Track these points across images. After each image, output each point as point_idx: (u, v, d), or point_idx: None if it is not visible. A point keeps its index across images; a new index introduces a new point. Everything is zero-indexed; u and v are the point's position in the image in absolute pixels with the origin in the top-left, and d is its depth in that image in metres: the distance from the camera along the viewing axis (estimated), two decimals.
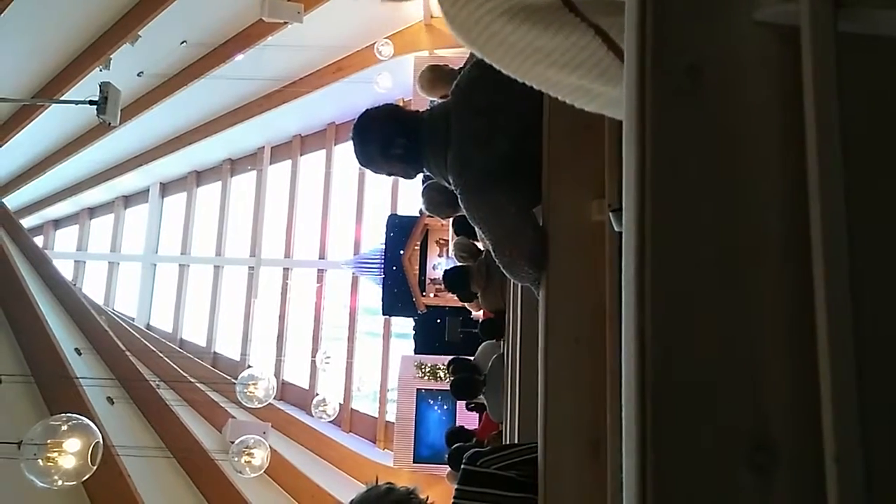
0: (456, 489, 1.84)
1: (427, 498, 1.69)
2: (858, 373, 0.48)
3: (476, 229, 1.89)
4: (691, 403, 0.52)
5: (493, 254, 1.78)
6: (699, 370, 0.53)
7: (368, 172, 1.96)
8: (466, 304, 5.84)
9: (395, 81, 10.29)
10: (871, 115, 0.55)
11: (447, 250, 10.24)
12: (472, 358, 5.18)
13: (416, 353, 10.49)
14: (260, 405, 6.81)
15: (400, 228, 10.81)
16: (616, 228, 1.34)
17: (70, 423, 4.04)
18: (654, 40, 0.57)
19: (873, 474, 0.47)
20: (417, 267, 10.67)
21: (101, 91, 6.01)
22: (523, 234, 1.68)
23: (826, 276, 0.49)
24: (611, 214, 1.37)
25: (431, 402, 10.08)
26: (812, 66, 0.52)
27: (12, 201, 10.71)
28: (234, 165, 12.98)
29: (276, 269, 12.68)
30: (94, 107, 5.96)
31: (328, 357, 11.00)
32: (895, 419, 0.51)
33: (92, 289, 12.69)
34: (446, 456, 4.65)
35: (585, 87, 1.00)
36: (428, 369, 10.06)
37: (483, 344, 5.05)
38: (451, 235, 8.59)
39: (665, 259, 0.54)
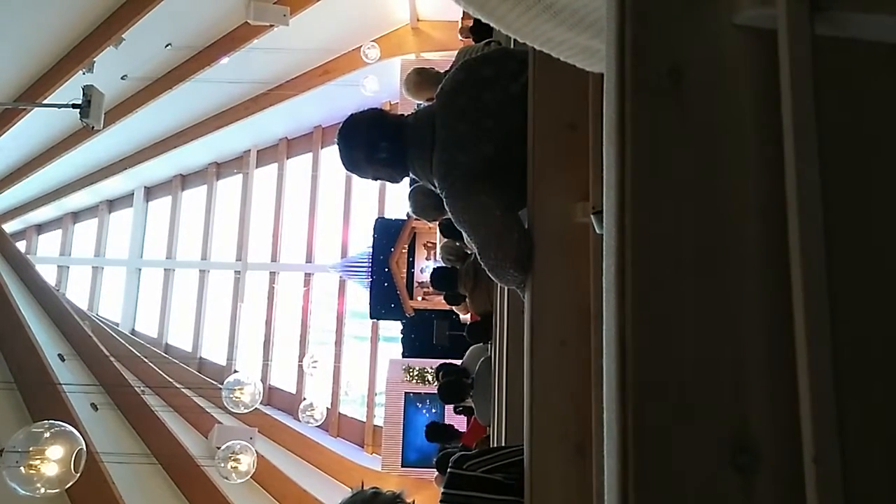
0: (442, 493, 1.84)
1: (413, 502, 1.68)
2: (836, 375, 0.48)
3: (462, 232, 1.89)
4: (672, 405, 0.52)
5: (478, 256, 1.78)
6: (680, 372, 0.53)
7: (354, 176, 1.95)
8: (454, 308, 5.85)
9: (382, 84, 10.28)
10: (847, 117, 0.56)
11: (435, 253, 10.24)
12: (460, 362, 5.18)
13: (403, 356, 10.48)
14: (246, 410, 6.77)
15: (387, 231, 10.79)
16: (598, 231, 1.35)
17: (53, 430, 4.00)
18: (634, 43, 0.58)
19: (851, 475, 0.47)
20: (405, 270, 10.66)
21: (84, 94, 5.96)
22: (508, 237, 1.68)
23: (804, 276, 0.49)
24: (593, 217, 1.37)
25: (419, 405, 10.07)
26: (789, 68, 0.52)
27: None
28: (220, 169, 12.91)
29: (262, 273, 12.62)
30: (78, 110, 5.90)
31: (315, 361, 10.96)
32: (872, 420, 0.51)
33: (76, 294, 12.55)
34: (434, 460, 4.64)
35: (594, 48, 0.96)
36: (416, 373, 10.05)
37: (471, 347, 5.05)
38: (438, 238, 8.59)
39: (645, 261, 0.54)
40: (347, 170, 1.88)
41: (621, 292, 0.54)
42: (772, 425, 0.52)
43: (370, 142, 1.81)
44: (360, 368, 11.88)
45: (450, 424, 5.86)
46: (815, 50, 0.52)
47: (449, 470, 1.84)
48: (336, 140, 1.86)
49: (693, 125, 0.57)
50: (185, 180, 13.02)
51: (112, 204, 13.12)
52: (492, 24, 0.99)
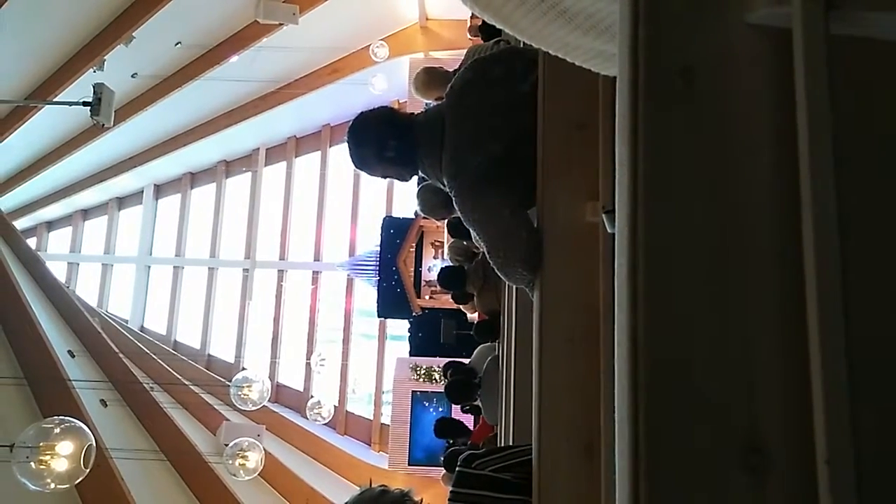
0: (451, 491, 1.84)
1: (421, 500, 1.69)
2: (849, 375, 0.48)
3: (471, 231, 1.89)
4: (684, 404, 0.52)
5: (487, 255, 1.78)
6: (692, 371, 0.53)
7: (363, 174, 1.96)
8: (461, 307, 5.84)
9: (391, 83, 10.29)
10: (863, 117, 0.55)
11: (442, 252, 10.24)
12: (467, 361, 5.18)
13: (411, 355, 10.50)
14: (254, 408, 6.79)
15: (395, 230, 10.81)
16: (609, 230, 1.34)
17: (63, 426, 4.02)
18: (647, 42, 0.57)
19: (863, 476, 0.47)
20: (412, 269, 10.68)
21: (94, 92, 5.99)
22: (517, 236, 1.68)
23: (818, 277, 0.49)
24: (604, 216, 1.37)
25: (426, 404, 10.08)
26: (804, 67, 0.52)
27: (6, 203, 10.67)
28: (229, 167, 12.96)
29: (270, 271, 12.66)
30: (88, 108, 5.93)
31: (323, 359, 10.98)
32: (886, 422, 0.51)
33: (85, 291, 12.63)
34: (441, 458, 4.65)
35: (609, 53, 0.95)
36: (423, 371, 10.06)
37: (479, 346, 5.05)
38: (446, 237, 8.59)
39: (657, 261, 0.54)
40: (357, 167, 1.88)
41: (633, 291, 0.53)
42: (784, 426, 0.52)
43: (380, 140, 1.81)
44: (367, 367, 11.91)
45: (459, 420, 5.86)
46: (830, 49, 0.52)
47: (458, 469, 1.84)
48: (346, 138, 1.86)
49: (706, 125, 0.57)
50: (194, 178, 13.08)
51: (122, 201, 13.20)
52: (506, 30, 0.99)
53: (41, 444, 3.89)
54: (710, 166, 0.56)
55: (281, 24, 9.04)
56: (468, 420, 7.19)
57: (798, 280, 0.51)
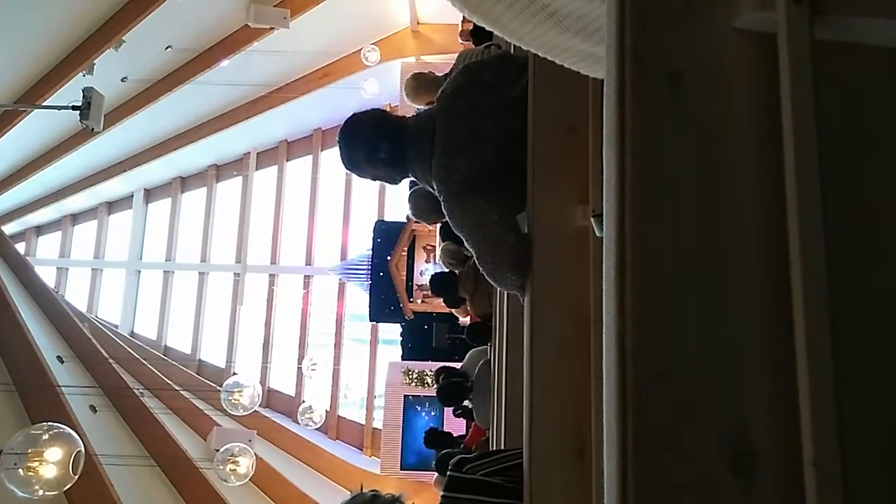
0: (442, 496, 1.83)
1: None
2: (836, 377, 0.48)
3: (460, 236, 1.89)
4: (672, 408, 0.52)
5: (476, 261, 1.78)
6: (680, 375, 0.53)
7: (355, 178, 1.95)
8: (453, 311, 5.85)
9: (382, 87, 10.29)
10: (847, 120, 0.56)
11: (434, 256, 10.25)
12: (459, 365, 5.18)
13: (403, 359, 10.47)
14: (245, 413, 6.76)
15: (387, 234, 10.80)
16: (598, 234, 1.35)
17: (51, 432, 3.99)
18: (634, 46, 0.58)
19: (850, 478, 0.47)
20: (404, 273, 10.66)
21: (84, 96, 5.95)
22: (505, 242, 1.68)
23: (804, 278, 0.49)
24: (593, 220, 1.37)
25: (419, 408, 10.05)
26: (789, 72, 0.52)
27: None
28: (220, 171, 12.91)
29: (261, 276, 12.61)
30: (78, 112, 5.90)
31: (314, 364, 10.94)
32: (871, 424, 0.51)
33: (75, 296, 12.53)
34: (433, 462, 4.64)
35: (598, 55, 0.95)
36: (415, 375, 10.03)
37: (471, 350, 5.05)
38: (438, 241, 8.59)
39: (645, 263, 0.54)
40: (347, 169, 1.88)
41: (621, 295, 0.54)
42: (772, 428, 0.52)
43: (370, 142, 1.81)
44: (359, 371, 11.87)
45: (448, 432, 5.86)
46: (815, 53, 0.52)
47: (448, 473, 1.83)
48: (337, 139, 1.86)
49: (693, 128, 0.57)
50: (184, 182, 13.01)
51: (111, 206, 13.11)
52: (496, 32, 0.99)
53: (29, 450, 3.86)
54: (697, 170, 0.56)
55: (272, 28, 9.02)
56: (460, 425, 7.18)
57: (785, 282, 0.51)
